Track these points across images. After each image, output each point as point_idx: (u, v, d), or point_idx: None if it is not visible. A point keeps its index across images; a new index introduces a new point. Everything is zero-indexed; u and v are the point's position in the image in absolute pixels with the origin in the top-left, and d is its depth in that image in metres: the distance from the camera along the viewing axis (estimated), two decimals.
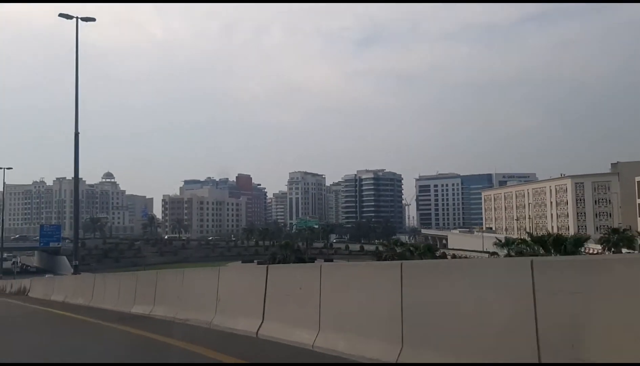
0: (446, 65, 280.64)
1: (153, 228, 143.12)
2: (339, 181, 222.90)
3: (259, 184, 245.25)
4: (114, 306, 13.32)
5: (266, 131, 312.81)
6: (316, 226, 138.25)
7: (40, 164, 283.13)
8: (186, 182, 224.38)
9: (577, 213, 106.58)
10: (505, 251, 43.84)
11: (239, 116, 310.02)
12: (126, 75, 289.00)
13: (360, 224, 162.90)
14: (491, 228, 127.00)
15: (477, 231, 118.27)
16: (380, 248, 56.21)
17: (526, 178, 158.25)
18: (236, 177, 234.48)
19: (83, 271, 32.63)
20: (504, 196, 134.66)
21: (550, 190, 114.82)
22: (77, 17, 20.91)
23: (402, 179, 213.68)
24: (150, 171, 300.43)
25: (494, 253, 46.62)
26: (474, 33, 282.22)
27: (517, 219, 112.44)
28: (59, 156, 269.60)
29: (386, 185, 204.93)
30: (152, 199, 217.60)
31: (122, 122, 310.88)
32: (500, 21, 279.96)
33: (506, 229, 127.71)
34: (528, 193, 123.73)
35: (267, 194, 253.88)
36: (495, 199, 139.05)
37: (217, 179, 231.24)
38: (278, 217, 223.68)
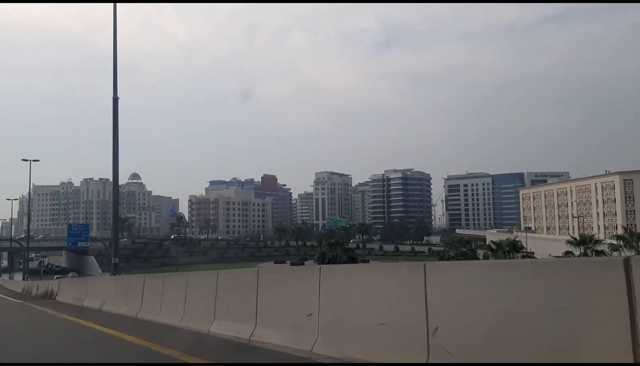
0: (470, 65, 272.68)
1: (181, 227, 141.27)
2: (366, 181, 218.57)
3: (284, 185, 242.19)
4: (178, 321, 9.04)
5: (291, 131, 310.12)
6: (347, 226, 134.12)
7: (69, 165, 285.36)
8: (211, 182, 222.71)
9: (627, 211, 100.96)
10: (580, 250, 38.89)
11: (263, 117, 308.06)
12: (152, 77, 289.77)
13: (393, 224, 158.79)
14: (530, 228, 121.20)
15: (516, 231, 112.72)
16: (441, 248, 51.03)
17: (560, 177, 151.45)
18: (261, 177, 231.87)
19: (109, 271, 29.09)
20: (544, 194, 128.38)
21: (596, 187, 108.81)
22: None
23: (431, 178, 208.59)
24: (176, 172, 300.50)
25: (568, 253, 41.51)
26: (498, 33, 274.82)
27: (576, 217, 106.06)
28: (87, 157, 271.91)
29: (414, 185, 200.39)
30: (177, 200, 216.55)
31: (148, 124, 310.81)
32: (519, 20, 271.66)
33: (548, 229, 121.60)
34: (571, 190, 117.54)
35: (292, 195, 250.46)
36: (534, 198, 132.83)
37: (243, 180, 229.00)
38: (303, 217, 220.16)
